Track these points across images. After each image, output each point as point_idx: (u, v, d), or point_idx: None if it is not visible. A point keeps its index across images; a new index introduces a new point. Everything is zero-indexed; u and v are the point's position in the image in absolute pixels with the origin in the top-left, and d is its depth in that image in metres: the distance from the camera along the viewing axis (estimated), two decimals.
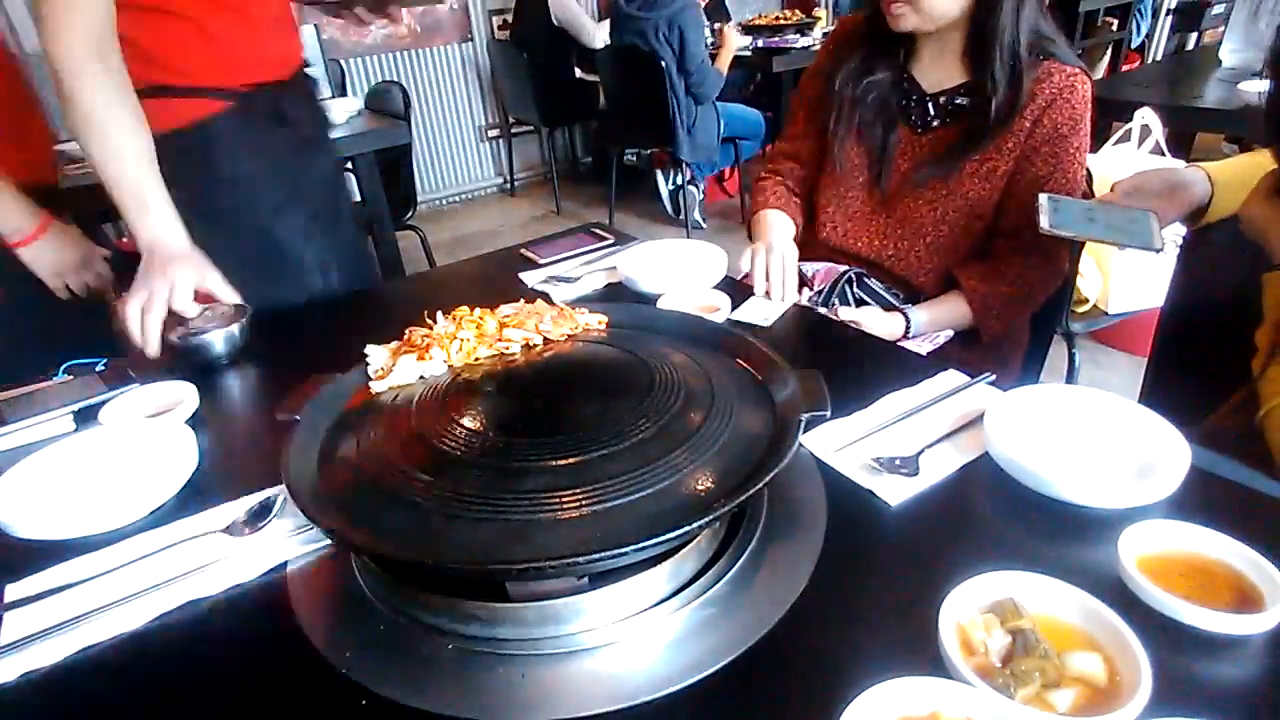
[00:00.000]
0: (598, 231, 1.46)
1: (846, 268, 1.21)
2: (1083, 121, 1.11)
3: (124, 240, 3.12)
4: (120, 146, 1.01)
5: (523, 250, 1.39)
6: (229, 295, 1.09)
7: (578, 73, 4.09)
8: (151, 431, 0.86)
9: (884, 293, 1.22)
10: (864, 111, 1.20)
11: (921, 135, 1.18)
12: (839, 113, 1.22)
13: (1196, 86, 2.34)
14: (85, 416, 0.93)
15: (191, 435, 0.84)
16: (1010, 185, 1.14)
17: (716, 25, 3.71)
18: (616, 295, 1.19)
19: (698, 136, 3.44)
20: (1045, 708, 0.48)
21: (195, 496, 0.79)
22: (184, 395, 0.94)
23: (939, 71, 1.17)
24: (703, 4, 3.51)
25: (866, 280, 1.22)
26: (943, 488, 0.72)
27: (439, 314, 0.84)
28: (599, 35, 3.75)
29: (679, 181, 3.83)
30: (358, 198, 2.65)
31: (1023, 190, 1.13)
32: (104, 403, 0.93)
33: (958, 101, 1.16)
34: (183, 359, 1.04)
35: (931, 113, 1.18)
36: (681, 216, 3.85)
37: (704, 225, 3.87)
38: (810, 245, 1.33)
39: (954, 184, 1.15)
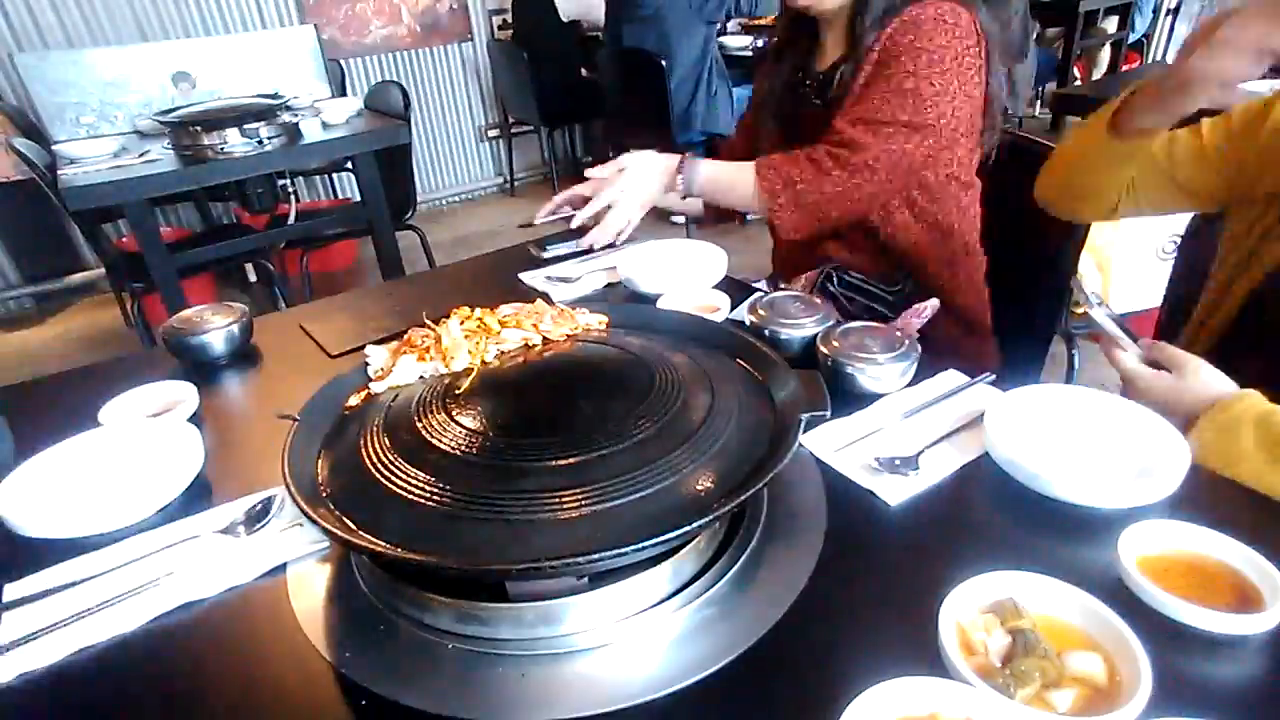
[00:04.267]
0: None
1: (822, 268, 1.23)
2: (925, 30, 1.06)
3: (123, 240, 3.13)
4: None
5: (523, 250, 1.39)
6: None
7: (584, 72, 4.08)
8: (158, 431, 0.86)
9: (866, 284, 1.23)
10: (775, 101, 1.30)
11: (823, 110, 1.21)
12: (760, 106, 1.34)
13: None
14: (83, 417, 0.93)
15: (197, 434, 0.83)
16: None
17: None
18: (616, 295, 1.19)
19: (719, 105, 3.46)
20: (1045, 708, 0.48)
21: (195, 497, 0.79)
22: (184, 395, 0.94)
23: (832, 50, 1.23)
24: None
25: (847, 276, 1.24)
26: (943, 488, 0.72)
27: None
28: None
29: None
30: (358, 198, 2.64)
31: (860, 94, 1.12)
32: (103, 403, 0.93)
33: (841, 69, 1.18)
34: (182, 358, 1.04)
35: (830, 88, 1.20)
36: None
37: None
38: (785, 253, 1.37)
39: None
